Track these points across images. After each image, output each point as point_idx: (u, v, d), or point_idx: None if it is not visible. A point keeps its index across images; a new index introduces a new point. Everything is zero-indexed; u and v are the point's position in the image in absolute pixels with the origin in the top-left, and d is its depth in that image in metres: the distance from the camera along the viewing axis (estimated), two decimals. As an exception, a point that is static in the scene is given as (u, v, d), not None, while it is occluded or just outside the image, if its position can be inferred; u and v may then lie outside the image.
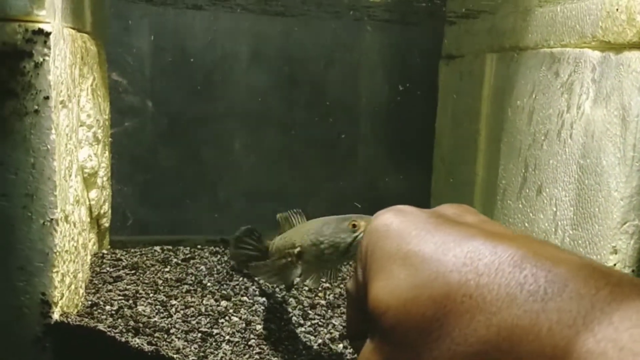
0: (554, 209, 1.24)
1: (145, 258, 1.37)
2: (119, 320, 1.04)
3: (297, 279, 1.02)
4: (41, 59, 0.88)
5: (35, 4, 0.87)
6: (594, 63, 1.12)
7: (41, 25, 0.88)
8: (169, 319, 1.09)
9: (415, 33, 1.97)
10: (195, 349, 1.01)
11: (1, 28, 0.87)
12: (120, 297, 1.14)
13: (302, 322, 1.15)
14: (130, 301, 1.13)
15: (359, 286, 0.55)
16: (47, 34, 0.88)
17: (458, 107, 1.80)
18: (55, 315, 0.95)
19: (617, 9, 1.04)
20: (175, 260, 1.37)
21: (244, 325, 1.11)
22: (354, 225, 0.89)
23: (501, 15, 1.51)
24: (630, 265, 1.05)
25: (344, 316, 1.18)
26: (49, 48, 0.88)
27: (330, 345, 1.07)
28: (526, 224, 1.37)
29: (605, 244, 1.07)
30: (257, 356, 1.01)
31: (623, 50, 1.03)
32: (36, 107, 0.89)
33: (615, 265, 1.05)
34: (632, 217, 1.04)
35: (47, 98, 0.89)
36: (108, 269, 1.27)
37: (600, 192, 1.09)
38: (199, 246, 1.48)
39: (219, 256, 1.42)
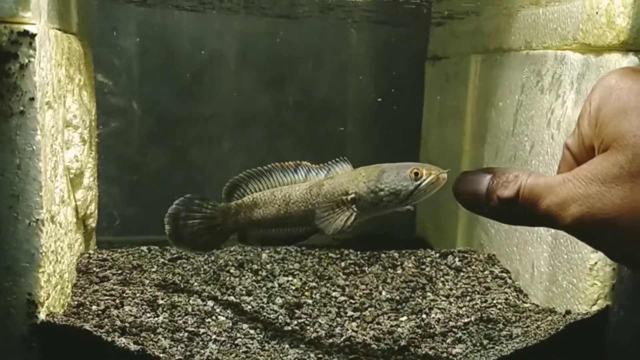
0: (537, 209, 1.25)
1: (132, 258, 1.37)
2: (105, 320, 1.04)
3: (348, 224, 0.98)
4: (26, 61, 0.88)
5: (20, 6, 0.88)
6: (575, 65, 1.14)
7: (26, 27, 0.88)
8: (156, 319, 1.09)
9: (401, 34, 1.99)
10: (182, 348, 1.02)
11: (-14, 29, 0.87)
12: (106, 297, 1.14)
13: (288, 321, 1.16)
14: (117, 301, 1.13)
15: (583, 139, 0.65)
16: (33, 36, 0.88)
17: (444, 108, 1.82)
18: (42, 315, 0.95)
19: (597, 12, 1.06)
20: (162, 260, 1.38)
21: (230, 324, 1.12)
22: (416, 174, 0.91)
23: (485, 18, 1.53)
24: (611, 264, 1.07)
25: (330, 315, 1.19)
26: (35, 49, 0.89)
27: (317, 343, 1.08)
28: (510, 223, 1.39)
29: (587, 243, 1.09)
30: (243, 355, 1.02)
31: (603, 52, 1.05)
32: (22, 108, 0.89)
33: (596, 263, 1.07)
34: (612, 216, 1.06)
35: (32, 99, 0.90)
36: (95, 269, 1.27)
37: (581, 192, 1.10)
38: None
39: (205, 256, 1.43)
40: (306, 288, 1.30)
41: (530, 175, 0.67)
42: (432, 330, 1.13)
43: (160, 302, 1.16)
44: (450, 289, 1.31)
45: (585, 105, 0.66)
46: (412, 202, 0.93)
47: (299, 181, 1.05)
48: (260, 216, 1.06)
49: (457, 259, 1.44)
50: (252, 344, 1.06)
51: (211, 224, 1.12)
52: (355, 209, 0.96)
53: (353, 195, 0.96)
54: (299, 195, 1.02)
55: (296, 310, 1.20)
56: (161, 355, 0.97)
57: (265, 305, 1.21)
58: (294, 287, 1.30)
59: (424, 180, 0.91)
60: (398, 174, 0.93)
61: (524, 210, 0.67)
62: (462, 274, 1.38)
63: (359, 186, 0.96)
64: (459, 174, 0.78)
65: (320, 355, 1.04)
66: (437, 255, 1.47)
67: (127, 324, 1.04)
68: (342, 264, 1.43)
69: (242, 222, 1.09)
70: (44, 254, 0.94)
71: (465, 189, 0.74)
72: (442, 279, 1.35)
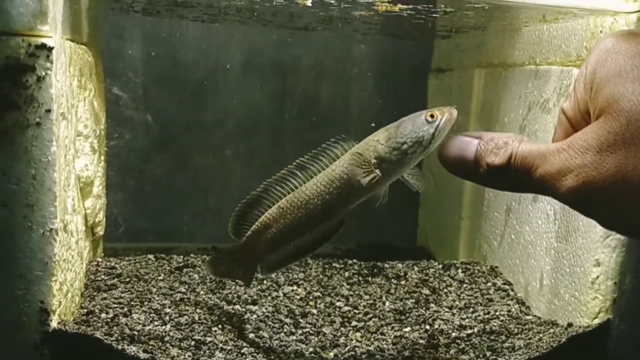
0: (539, 222, 1.27)
1: (139, 266, 1.38)
2: (115, 328, 1.06)
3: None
4: (43, 73, 0.90)
5: (38, 19, 0.90)
6: (578, 81, 1.15)
7: (44, 40, 0.90)
8: (163, 327, 1.10)
9: (405, 46, 2.01)
10: (189, 356, 1.03)
11: (5, 42, 0.89)
12: (115, 305, 1.16)
13: (293, 330, 1.17)
14: (125, 309, 1.15)
15: (578, 103, 0.65)
16: (50, 49, 0.90)
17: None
18: (53, 323, 0.97)
19: (601, 31, 1.08)
20: (168, 268, 1.39)
21: (236, 333, 1.13)
22: (432, 116, 0.89)
23: (489, 32, 1.55)
24: (613, 278, 1.09)
25: (334, 325, 1.20)
26: (52, 62, 0.90)
27: (321, 353, 1.10)
28: (512, 236, 1.40)
29: (589, 257, 1.10)
30: (249, 364, 1.04)
31: (606, 70, 1.07)
32: (38, 119, 0.91)
33: (597, 277, 1.09)
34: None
35: (48, 111, 0.91)
36: (103, 277, 1.28)
37: (583, 207, 1.12)
38: (192, 255, 1.49)
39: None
40: (311, 298, 1.32)
41: (521, 142, 0.67)
42: (435, 341, 1.14)
43: (168, 310, 1.17)
44: (454, 301, 1.32)
45: (581, 69, 0.65)
46: (434, 146, 0.90)
47: (302, 183, 1.01)
48: (279, 234, 1.01)
49: (460, 271, 1.45)
50: (258, 352, 1.08)
51: (234, 267, 1.08)
52: (380, 174, 0.92)
53: (375, 162, 0.93)
54: (312, 192, 0.98)
55: (301, 320, 1.21)
56: (170, 363, 0.99)
57: (270, 315, 1.22)
58: (298, 297, 1.32)
59: (441, 119, 0.89)
60: (414, 123, 0.91)
61: (516, 179, 0.66)
62: (465, 285, 1.40)
63: (377, 150, 0.92)
64: (444, 140, 0.76)
65: (325, 365, 1.06)
66: (440, 266, 1.48)
67: (135, 332, 1.06)
68: (346, 274, 1.44)
69: (263, 249, 1.03)
70: (56, 262, 0.96)
71: (452, 153, 0.73)
72: (445, 290, 1.37)
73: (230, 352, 1.07)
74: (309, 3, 1.15)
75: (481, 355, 1.09)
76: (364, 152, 0.94)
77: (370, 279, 1.43)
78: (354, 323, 1.22)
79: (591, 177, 0.59)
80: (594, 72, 0.62)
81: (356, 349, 1.12)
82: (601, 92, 0.60)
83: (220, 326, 1.15)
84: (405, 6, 1.20)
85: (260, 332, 1.16)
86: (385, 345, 1.13)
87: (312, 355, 1.09)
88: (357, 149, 0.96)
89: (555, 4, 1.10)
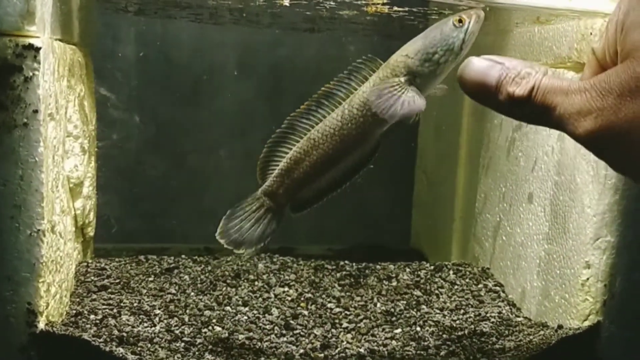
0: (530, 224, 1.27)
1: (129, 267, 1.38)
2: (103, 329, 1.05)
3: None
4: (31, 74, 0.90)
5: (25, 20, 0.89)
6: (569, 83, 1.15)
7: (31, 40, 0.90)
8: (153, 329, 1.10)
9: (396, 47, 2.01)
10: (179, 358, 1.03)
11: (-8, 42, 0.88)
12: (104, 307, 1.15)
13: (284, 332, 1.17)
14: (115, 310, 1.14)
15: (608, 44, 0.65)
16: (37, 49, 0.90)
17: (440, 121, 1.83)
18: (41, 325, 0.96)
19: (590, 33, 1.08)
20: (159, 269, 1.39)
21: (226, 335, 1.13)
22: (460, 21, 0.87)
23: (481, 34, 1.55)
24: (603, 280, 1.09)
25: (325, 326, 1.20)
26: (39, 63, 0.90)
27: (312, 355, 1.09)
28: (504, 237, 1.40)
29: (579, 259, 1.10)
30: (239, 366, 1.03)
31: (596, 72, 1.07)
32: (25, 120, 0.91)
33: (588, 279, 1.09)
34: (605, 233, 1.08)
35: (36, 111, 0.91)
36: (92, 278, 1.28)
37: (574, 209, 1.12)
38: (183, 255, 1.49)
39: (202, 266, 1.44)
40: (302, 299, 1.31)
41: (545, 75, 0.65)
42: (426, 343, 1.14)
43: (157, 311, 1.17)
44: (445, 302, 1.32)
45: (614, 10, 0.65)
46: (465, 52, 0.87)
47: (330, 112, 0.95)
48: (312, 167, 0.95)
49: (451, 272, 1.45)
50: (248, 354, 1.08)
51: (263, 213, 1.01)
52: (413, 90, 0.88)
53: (407, 77, 0.89)
54: (345, 117, 0.92)
55: (292, 321, 1.21)
56: (158, 365, 0.99)
57: (261, 316, 1.22)
58: (289, 298, 1.31)
59: (469, 23, 0.87)
60: (442, 31, 0.88)
61: (535, 112, 0.65)
62: (456, 287, 1.39)
63: (408, 65, 0.89)
64: (465, 61, 0.72)
65: (315, 367, 1.06)
66: (432, 267, 1.48)
67: (124, 334, 1.05)
68: (338, 275, 1.44)
69: (293, 187, 0.97)
70: (44, 264, 0.95)
71: (473, 77, 0.70)
72: (436, 291, 1.37)
73: (220, 354, 1.06)
74: (286, 3, 1.14)
75: (471, 357, 1.09)
76: (393, 69, 0.90)
77: (361, 280, 1.43)
78: (345, 324, 1.22)
79: (609, 121, 0.59)
80: (627, 13, 0.62)
81: (347, 350, 1.12)
82: (630, 35, 0.60)
83: (210, 327, 1.15)
84: (399, 9, 1.19)
85: (251, 333, 1.15)
86: (376, 347, 1.13)
87: (303, 356, 1.09)
88: (385, 67, 0.92)
89: (546, 6, 1.10)
